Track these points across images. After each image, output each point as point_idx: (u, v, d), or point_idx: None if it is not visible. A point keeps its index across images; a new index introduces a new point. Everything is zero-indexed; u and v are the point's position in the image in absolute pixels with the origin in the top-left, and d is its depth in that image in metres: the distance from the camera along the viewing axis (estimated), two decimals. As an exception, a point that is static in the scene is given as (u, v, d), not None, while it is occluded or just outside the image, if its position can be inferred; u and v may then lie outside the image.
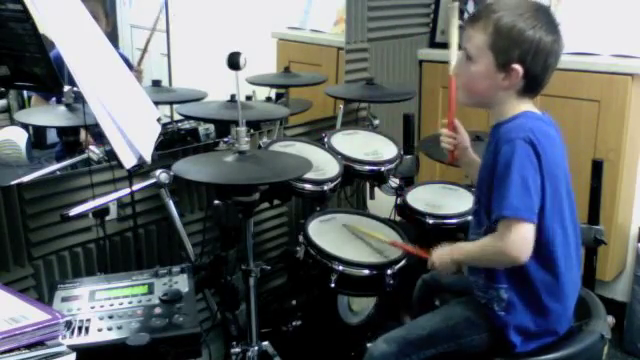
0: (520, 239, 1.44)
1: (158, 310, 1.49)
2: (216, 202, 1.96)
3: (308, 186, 2.04)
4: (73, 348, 1.14)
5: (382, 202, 2.53)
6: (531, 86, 1.52)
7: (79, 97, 1.88)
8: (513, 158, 1.44)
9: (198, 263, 2.00)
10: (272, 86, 2.75)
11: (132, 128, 1.59)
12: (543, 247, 1.51)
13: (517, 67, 1.48)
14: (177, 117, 2.43)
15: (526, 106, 1.56)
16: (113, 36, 2.49)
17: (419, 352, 1.61)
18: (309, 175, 1.92)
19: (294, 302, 2.34)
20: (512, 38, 1.47)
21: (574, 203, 1.59)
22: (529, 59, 1.47)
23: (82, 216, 1.87)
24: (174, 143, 2.36)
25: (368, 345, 1.76)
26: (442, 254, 1.66)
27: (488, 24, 1.49)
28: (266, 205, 2.39)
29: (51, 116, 2.14)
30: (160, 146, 2.04)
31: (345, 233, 2.01)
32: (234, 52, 1.69)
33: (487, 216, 1.54)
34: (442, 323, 1.64)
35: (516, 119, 1.53)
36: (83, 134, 2.11)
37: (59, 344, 1.12)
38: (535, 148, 1.45)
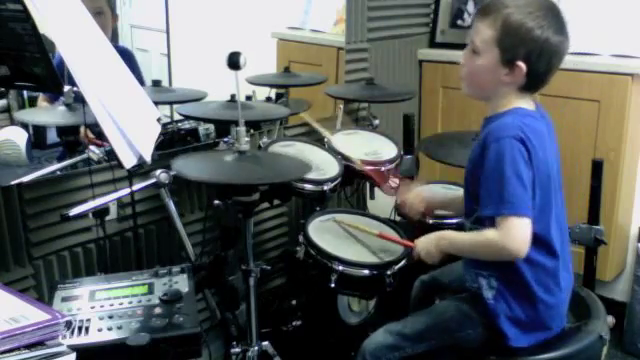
0: (521, 235, 1.46)
1: (158, 310, 1.49)
2: (216, 202, 1.97)
3: (308, 186, 2.04)
4: (73, 348, 1.13)
5: (382, 202, 2.53)
6: (532, 84, 1.54)
7: (79, 97, 1.88)
8: (504, 156, 1.45)
9: (198, 263, 2.00)
10: (272, 86, 2.74)
11: (132, 128, 1.58)
12: (537, 239, 1.52)
13: (521, 65, 1.49)
14: (177, 117, 2.42)
15: (521, 102, 1.56)
16: (113, 36, 2.48)
17: (414, 345, 1.63)
18: (309, 175, 1.92)
19: (294, 302, 2.34)
20: (519, 36, 1.48)
21: (564, 200, 1.61)
22: (534, 58, 1.48)
23: (82, 216, 1.87)
24: (174, 143, 2.36)
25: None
26: (427, 244, 1.67)
27: (497, 20, 1.50)
28: (266, 205, 2.39)
29: (51, 115, 2.14)
30: (160, 146, 2.03)
31: (345, 233, 2.00)
32: (234, 52, 1.69)
33: (476, 204, 1.56)
34: (438, 317, 1.66)
35: (506, 116, 1.54)
36: (82, 130, 2.11)
37: (59, 344, 1.12)
38: (525, 144, 1.46)
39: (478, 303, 1.61)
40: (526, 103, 1.57)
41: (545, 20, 1.48)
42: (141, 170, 1.79)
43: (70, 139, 2.13)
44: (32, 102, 2.33)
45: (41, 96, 2.32)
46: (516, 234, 1.46)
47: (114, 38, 2.46)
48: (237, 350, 1.96)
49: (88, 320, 1.44)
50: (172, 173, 1.84)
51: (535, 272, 1.55)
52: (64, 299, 1.54)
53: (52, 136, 2.24)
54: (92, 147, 2.08)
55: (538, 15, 1.48)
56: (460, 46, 3.02)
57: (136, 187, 1.85)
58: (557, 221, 1.57)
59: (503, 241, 1.47)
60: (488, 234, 1.52)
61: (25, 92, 2.29)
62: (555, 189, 1.56)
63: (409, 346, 1.63)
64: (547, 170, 1.52)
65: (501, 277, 1.57)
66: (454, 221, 2.14)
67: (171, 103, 2.48)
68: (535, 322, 1.58)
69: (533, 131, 1.49)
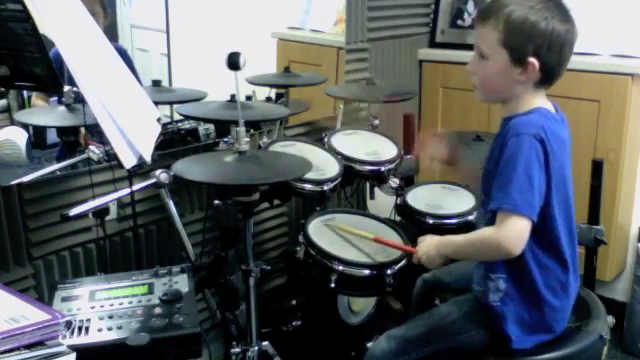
0: (516, 233, 1.44)
1: (158, 310, 1.49)
2: (216, 202, 1.96)
3: (308, 186, 2.04)
4: (73, 348, 1.13)
5: (382, 202, 2.53)
6: (547, 78, 1.51)
7: (79, 97, 1.89)
8: (520, 152, 1.43)
9: (198, 263, 2.00)
10: (272, 86, 2.74)
11: (132, 128, 1.58)
12: (549, 242, 1.52)
13: (533, 61, 1.46)
14: (177, 117, 2.42)
15: (540, 100, 1.54)
16: (113, 36, 2.48)
17: (417, 350, 1.62)
18: (309, 175, 1.92)
19: (294, 302, 2.34)
20: (525, 33, 1.45)
21: (574, 208, 1.60)
22: (544, 52, 1.46)
23: (82, 216, 1.87)
24: (174, 143, 2.36)
25: (369, 345, 1.76)
26: (428, 248, 1.65)
27: (499, 21, 1.47)
28: (266, 205, 2.39)
29: (51, 116, 2.14)
30: (160, 146, 2.03)
31: (345, 233, 2.00)
32: (234, 52, 1.68)
33: None
34: (440, 320, 1.65)
35: (529, 114, 1.51)
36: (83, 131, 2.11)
37: (59, 344, 1.12)
38: (544, 146, 1.44)
39: (481, 305, 1.60)
40: (545, 102, 1.55)
41: (548, 11, 1.45)
42: (141, 170, 1.79)
43: (70, 139, 2.13)
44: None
45: (34, 94, 2.31)
46: (511, 231, 1.44)
47: (112, 37, 2.46)
48: (237, 350, 1.96)
49: (88, 320, 1.44)
50: (172, 173, 1.84)
51: (545, 275, 1.54)
52: (64, 299, 1.54)
53: (52, 136, 2.24)
54: (92, 147, 2.08)
55: (540, 8, 1.45)
56: (460, 46, 3.06)
57: (136, 187, 1.85)
58: (568, 228, 1.55)
59: (498, 237, 1.45)
60: (485, 231, 1.51)
61: (25, 92, 2.29)
62: (568, 196, 1.55)
63: (413, 350, 1.62)
64: (563, 177, 1.51)
65: (510, 278, 1.55)
66: (454, 221, 2.15)
67: (171, 103, 2.48)
68: (540, 324, 1.57)
69: (554, 135, 1.47)
